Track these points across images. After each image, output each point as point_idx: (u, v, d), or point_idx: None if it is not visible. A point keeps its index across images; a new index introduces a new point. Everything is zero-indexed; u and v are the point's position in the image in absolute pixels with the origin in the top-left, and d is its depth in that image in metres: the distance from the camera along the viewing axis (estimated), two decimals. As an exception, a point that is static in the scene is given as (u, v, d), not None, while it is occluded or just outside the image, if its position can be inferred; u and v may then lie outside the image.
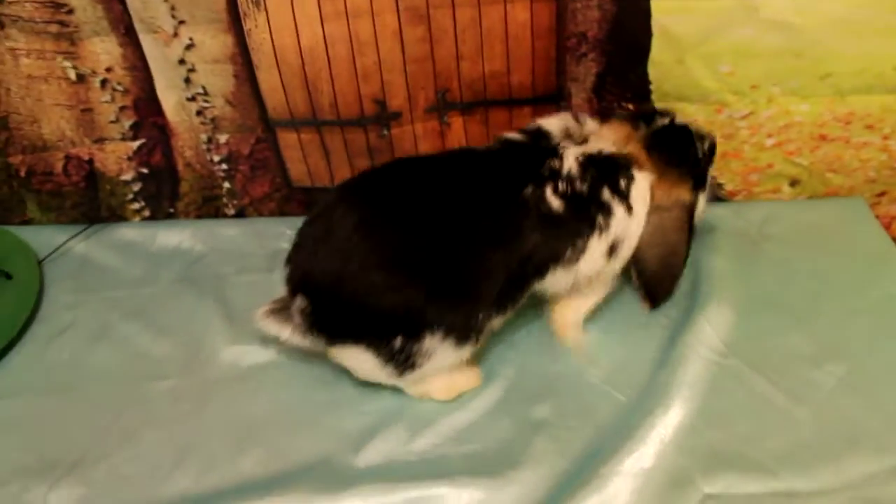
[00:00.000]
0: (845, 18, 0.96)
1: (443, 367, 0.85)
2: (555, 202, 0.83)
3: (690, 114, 1.06)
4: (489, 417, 0.87)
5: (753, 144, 1.09)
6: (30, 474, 0.85)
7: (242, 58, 1.02)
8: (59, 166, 1.15)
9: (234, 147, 1.12)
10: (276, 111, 1.07)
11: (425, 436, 0.86)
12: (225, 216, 1.20)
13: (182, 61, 1.04)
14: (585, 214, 0.84)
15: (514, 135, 0.90)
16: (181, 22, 1.00)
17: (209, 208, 1.19)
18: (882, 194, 1.12)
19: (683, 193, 0.90)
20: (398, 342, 0.81)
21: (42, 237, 1.17)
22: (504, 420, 0.87)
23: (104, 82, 1.07)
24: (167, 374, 0.96)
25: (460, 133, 1.10)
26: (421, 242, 0.81)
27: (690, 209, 0.91)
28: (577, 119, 0.92)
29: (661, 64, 1.03)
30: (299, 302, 0.85)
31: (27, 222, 1.21)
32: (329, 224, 0.83)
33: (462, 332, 0.82)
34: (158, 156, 1.14)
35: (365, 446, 0.85)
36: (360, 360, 0.85)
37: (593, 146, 0.88)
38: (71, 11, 1.01)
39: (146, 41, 1.03)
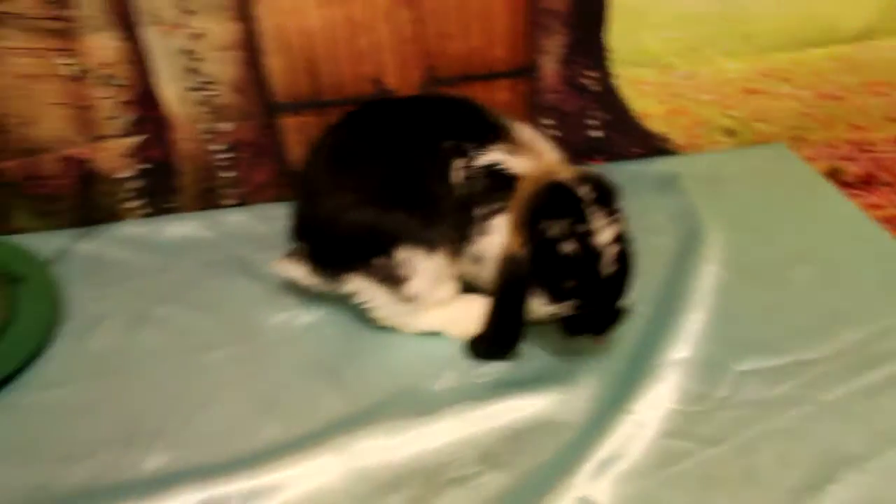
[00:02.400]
0: (766, -14, 1.12)
1: (430, 275, 0.87)
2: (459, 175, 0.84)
3: (643, 77, 1.18)
4: (533, 340, 0.91)
5: (696, 101, 1.22)
6: (117, 445, 0.81)
7: (250, 44, 1.04)
8: (52, 168, 1.10)
9: (237, 135, 1.12)
10: (280, 95, 1.09)
11: (485, 366, 0.89)
12: (224, 207, 1.19)
13: (186, 51, 1.04)
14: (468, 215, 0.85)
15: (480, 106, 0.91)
16: (187, 12, 1.01)
17: (208, 200, 1.17)
18: (798, 139, 1.28)
19: (514, 244, 0.81)
20: (379, 261, 0.85)
21: (37, 244, 1.10)
22: (549, 339, 0.91)
23: (103, 78, 1.05)
24: (222, 345, 0.93)
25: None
26: (376, 171, 0.86)
27: (512, 266, 0.81)
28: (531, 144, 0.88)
29: (617, 34, 1.14)
30: (302, 247, 0.91)
31: (16, 232, 1.14)
32: (309, 165, 0.91)
33: (426, 241, 0.85)
34: (157, 150, 1.12)
35: (439, 376, 0.87)
36: (362, 288, 0.89)
37: (515, 162, 0.85)
38: (72, 6, 0.99)
39: (149, 34, 1.02)
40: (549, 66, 1.15)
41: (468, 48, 1.11)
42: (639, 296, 0.95)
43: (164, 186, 1.15)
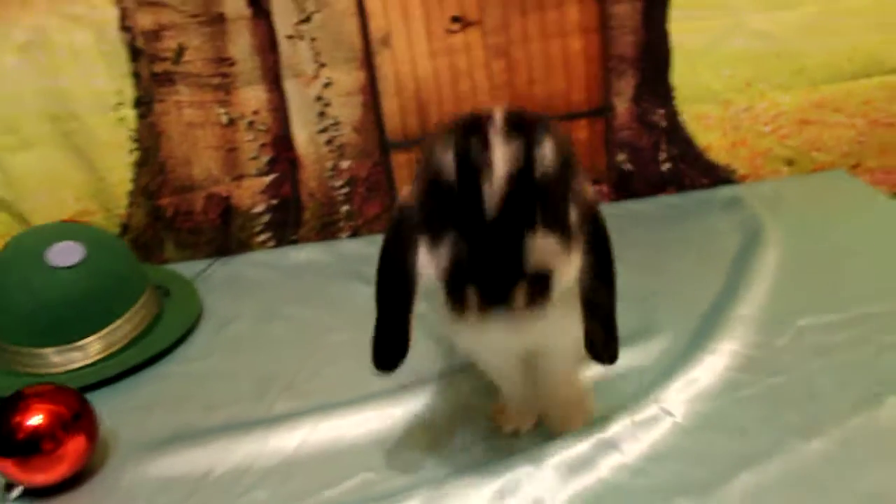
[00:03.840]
0: (808, 24, 1.35)
1: None
2: None
3: (705, 112, 1.41)
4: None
5: (755, 133, 1.43)
6: (250, 399, 1.02)
7: (371, 88, 1.32)
8: (199, 205, 1.39)
9: (355, 171, 1.39)
10: (393, 134, 1.36)
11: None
12: (340, 239, 1.43)
13: (319, 98, 1.33)
14: None
15: None
16: (322, 65, 1.30)
17: (326, 232, 1.43)
18: (856, 166, 1.47)
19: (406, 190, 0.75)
20: None
21: (181, 271, 1.37)
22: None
23: (250, 124, 1.34)
24: (339, 331, 1.14)
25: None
26: None
27: (396, 217, 0.75)
28: None
29: (679, 74, 1.38)
30: None
31: (163, 262, 1.41)
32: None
33: None
34: (287, 188, 1.39)
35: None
36: None
37: None
38: (233, 64, 1.30)
39: (290, 85, 1.32)
40: (622, 105, 1.39)
41: (551, 91, 1.37)
42: (708, 275, 1.14)
43: (291, 220, 1.41)
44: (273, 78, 1.31)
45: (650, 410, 0.88)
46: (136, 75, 1.30)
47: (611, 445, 0.84)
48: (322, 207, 1.41)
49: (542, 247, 0.65)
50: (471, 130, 0.66)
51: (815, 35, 1.35)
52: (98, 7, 1.25)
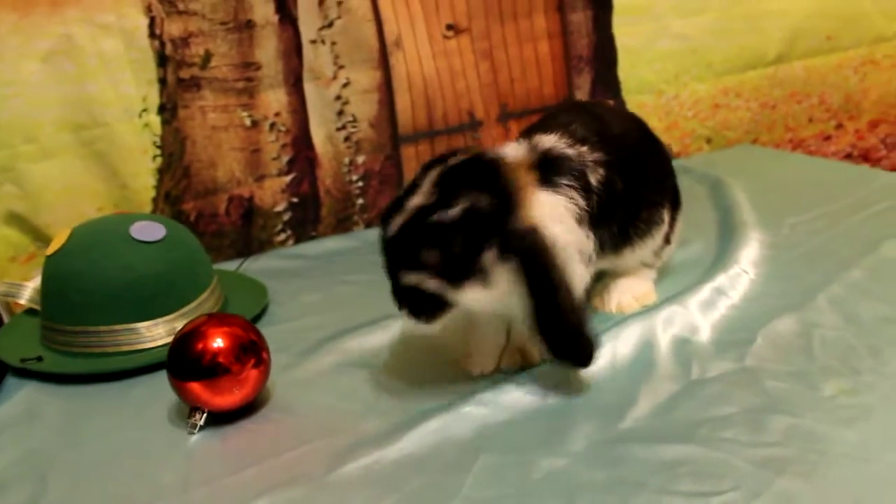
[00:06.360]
0: (712, 27, 1.75)
1: None
2: None
3: (644, 101, 1.74)
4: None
5: (682, 117, 1.79)
6: (359, 329, 1.12)
7: (386, 86, 1.50)
8: (222, 207, 1.45)
9: (369, 165, 1.53)
10: (404, 128, 1.53)
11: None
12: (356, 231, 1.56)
13: (338, 97, 1.48)
14: None
15: None
16: (341, 66, 1.47)
17: (342, 228, 1.55)
18: (754, 141, 1.87)
19: None
20: None
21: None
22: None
23: (272, 125, 1.46)
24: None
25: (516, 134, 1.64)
26: None
27: None
28: None
29: (623, 69, 1.71)
30: None
31: (186, 270, 1.44)
32: None
33: None
34: (306, 185, 1.50)
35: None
36: None
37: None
38: (259, 68, 1.42)
39: (309, 87, 1.46)
40: (581, 97, 1.69)
41: (528, 88, 1.63)
42: (700, 207, 1.44)
43: (309, 217, 1.52)
44: (294, 81, 1.45)
45: (734, 270, 1.14)
46: (163, 81, 1.38)
47: (721, 293, 1.09)
48: (338, 203, 1.54)
49: (416, 280, 0.85)
50: (417, 177, 0.88)
51: (716, 36, 1.75)
52: (128, 16, 1.34)
